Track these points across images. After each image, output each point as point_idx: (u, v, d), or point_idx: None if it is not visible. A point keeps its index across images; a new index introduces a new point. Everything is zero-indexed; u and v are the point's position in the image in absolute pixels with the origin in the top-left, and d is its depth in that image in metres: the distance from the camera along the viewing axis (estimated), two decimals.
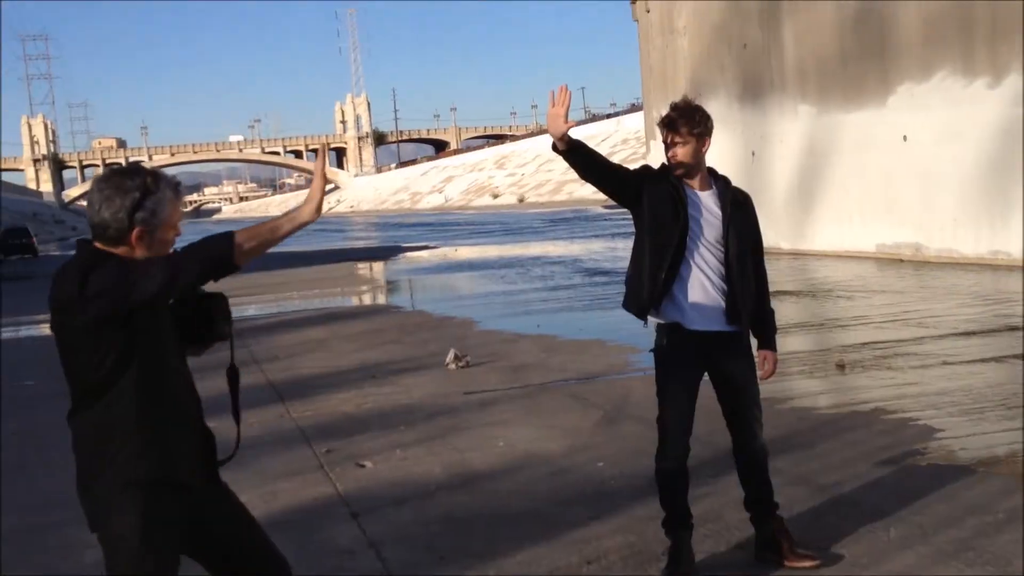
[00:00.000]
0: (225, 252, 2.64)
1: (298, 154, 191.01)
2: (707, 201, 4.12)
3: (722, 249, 4.10)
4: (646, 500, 5.03)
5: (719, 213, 4.10)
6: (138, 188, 2.70)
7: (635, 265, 4.21)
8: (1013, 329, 9.80)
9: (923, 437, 6.17)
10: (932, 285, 13.84)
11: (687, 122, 4.04)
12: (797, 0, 19.87)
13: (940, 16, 16.34)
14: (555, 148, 3.98)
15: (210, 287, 2.81)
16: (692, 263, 4.09)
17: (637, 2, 27.45)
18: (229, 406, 3.00)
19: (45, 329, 18.02)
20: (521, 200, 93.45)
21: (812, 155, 19.78)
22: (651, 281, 4.09)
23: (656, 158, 24.53)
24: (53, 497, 6.17)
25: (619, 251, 25.50)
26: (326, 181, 2.81)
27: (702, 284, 4.09)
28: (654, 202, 4.07)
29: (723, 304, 4.10)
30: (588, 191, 78.82)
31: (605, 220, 47.10)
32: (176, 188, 2.78)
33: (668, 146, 4.09)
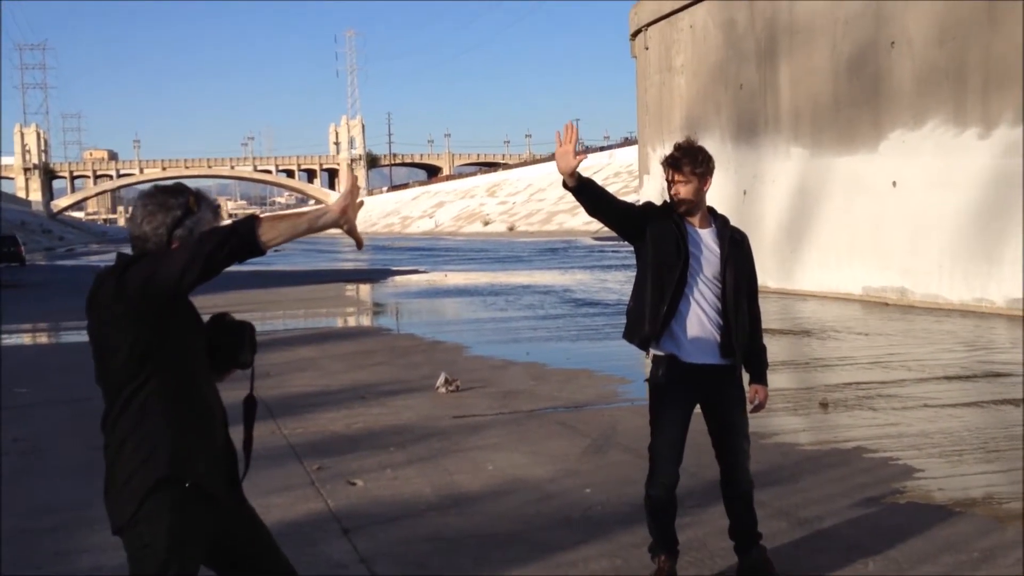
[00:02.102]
0: (248, 232, 2.64)
1: (290, 173, 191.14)
2: (707, 239, 4.28)
3: (719, 285, 4.26)
4: (632, 526, 5.17)
5: (718, 251, 4.26)
6: (180, 207, 2.83)
7: (637, 298, 4.35)
8: (994, 375, 9.99)
9: (903, 476, 6.32)
10: (916, 329, 14.03)
11: (690, 161, 4.21)
12: (794, 45, 20.20)
13: (933, 66, 16.65)
14: (565, 185, 4.14)
15: (239, 316, 2.91)
16: (691, 298, 4.24)
17: (636, 39, 27.81)
18: (242, 435, 3.03)
19: (34, 338, 18.06)
20: (511, 228, 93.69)
21: (803, 196, 20.04)
22: (652, 314, 4.24)
23: (648, 192, 24.76)
24: (49, 503, 6.28)
25: (608, 283, 25.68)
26: (356, 191, 2.75)
27: (699, 318, 4.25)
28: (657, 238, 4.23)
29: (718, 338, 4.26)
30: (578, 222, 79.07)
31: (595, 252, 47.33)
32: (216, 210, 2.90)
33: (671, 184, 4.26)
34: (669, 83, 25.53)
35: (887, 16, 17.59)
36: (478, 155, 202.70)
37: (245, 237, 2.64)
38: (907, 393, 9.12)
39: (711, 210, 4.37)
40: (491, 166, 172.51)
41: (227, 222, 2.77)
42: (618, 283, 25.34)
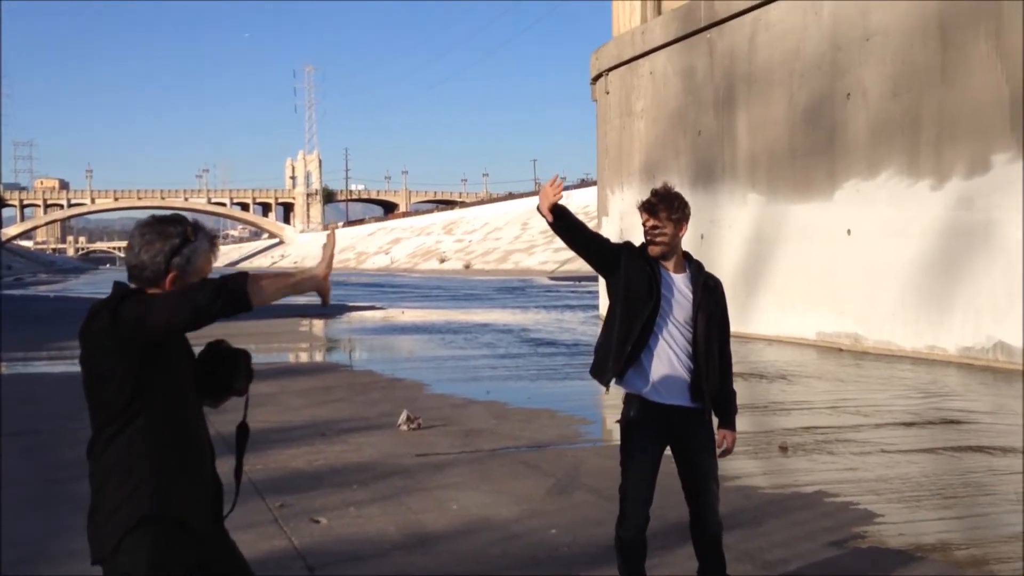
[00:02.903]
0: (238, 289, 2.70)
1: (245, 206, 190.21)
2: (680, 283, 4.36)
3: (691, 329, 4.33)
4: (599, 567, 5.19)
5: (690, 295, 4.34)
6: (178, 235, 2.87)
7: (606, 335, 4.42)
8: (948, 422, 10.17)
9: (863, 521, 6.41)
10: (870, 375, 14.24)
11: (666, 207, 4.30)
12: (752, 94, 20.57)
13: (888, 118, 17.04)
14: (540, 211, 4.24)
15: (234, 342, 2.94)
16: (661, 339, 4.31)
17: (597, 83, 28.15)
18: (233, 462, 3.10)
19: None
20: (467, 266, 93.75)
21: (759, 242, 20.33)
22: (617, 354, 4.30)
23: (606, 234, 24.93)
24: (9, 538, 6.15)
25: (566, 323, 25.75)
26: (332, 252, 2.92)
27: (670, 360, 4.31)
28: (630, 277, 4.30)
29: (688, 380, 4.32)
30: (534, 261, 79.32)
31: (552, 291, 47.45)
32: (212, 240, 2.94)
33: (647, 229, 4.34)
34: (629, 127, 25.85)
35: (843, 69, 18.00)
36: (435, 192, 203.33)
37: (235, 293, 2.71)
38: (864, 438, 9.25)
39: (686, 255, 4.46)
40: (448, 204, 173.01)
41: (216, 276, 2.81)
42: (576, 323, 25.42)
